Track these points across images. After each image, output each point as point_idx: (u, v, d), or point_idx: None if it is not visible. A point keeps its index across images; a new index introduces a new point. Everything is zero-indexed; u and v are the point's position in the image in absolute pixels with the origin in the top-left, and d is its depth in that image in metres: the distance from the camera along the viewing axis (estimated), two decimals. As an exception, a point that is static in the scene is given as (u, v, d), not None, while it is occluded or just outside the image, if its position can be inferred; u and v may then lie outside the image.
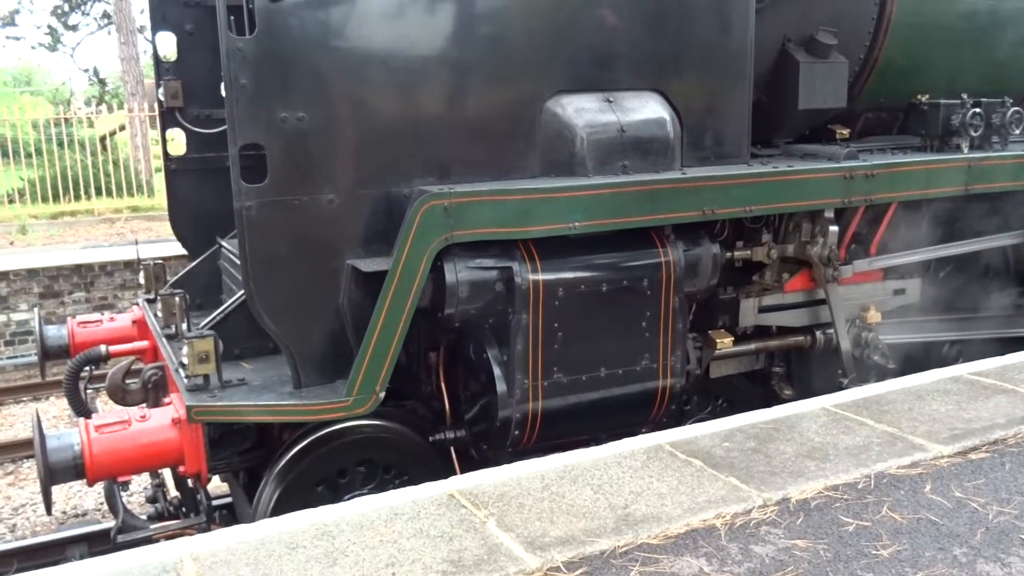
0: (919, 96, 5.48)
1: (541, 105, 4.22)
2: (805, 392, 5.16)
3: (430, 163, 4.05)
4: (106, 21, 25.73)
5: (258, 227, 3.77)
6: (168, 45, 5.60)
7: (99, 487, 5.04)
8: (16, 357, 10.88)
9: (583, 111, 4.25)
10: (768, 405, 4.21)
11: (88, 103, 27.16)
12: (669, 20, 4.43)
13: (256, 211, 3.75)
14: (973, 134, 5.31)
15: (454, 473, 4.26)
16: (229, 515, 5.26)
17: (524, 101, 4.20)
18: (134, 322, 5.49)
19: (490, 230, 3.93)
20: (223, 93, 3.82)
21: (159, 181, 20.00)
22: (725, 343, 4.89)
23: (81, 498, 7.16)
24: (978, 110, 5.30)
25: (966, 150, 5.33)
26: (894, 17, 5.33)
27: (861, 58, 5.43)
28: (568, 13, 4.21)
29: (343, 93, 3.87)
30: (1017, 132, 5.51)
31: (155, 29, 5.56)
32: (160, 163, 20.48)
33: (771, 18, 4.96)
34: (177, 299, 4.60)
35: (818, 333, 5.30)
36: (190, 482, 4.50)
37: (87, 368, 5.03)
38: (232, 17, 3.70)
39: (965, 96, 5.39)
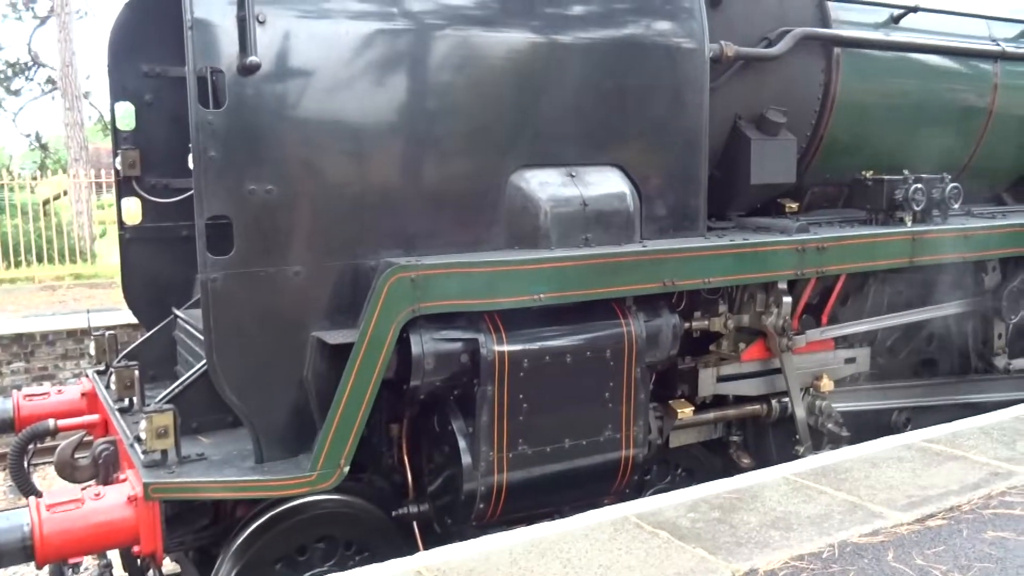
0: (863, 172, 5.71)
1: (505, 179, 4.30)
2: (762, 461, 5.23)
3: (397, 235, 4.08)
4: (51, 87, 25.52)
5: (223, 299, 3.74)
6: (126, 115, 5.58)
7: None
8: (-51, 430, 10.43)
9: (546, 185, 4.34)
10: (727, 474, 4.24)
11: (25, 167, 26.71)
12: (628, 98, 4.58)
13: (221, 283, 3.73)
14: (916, 208, 5.52)
15: (417, 549, 4.19)
16: (180, 596, 5.08)
17: (489, 175, 4.28)
18: (83, 395, 5.33)
19: (457, 302, 3.96)
20: (191, 165, 3.81)
21: (101, 247, 19.66)
22: (685, 413, 4.94)
23: (17, 579, 6.84)
24: (919, 185, 5.53)
25: (909, 223, 5.54)
26: (838, 97, 5.59)
27: (808, 135, 5.66)
28: (531, 90, 4.33)
29: (311, 166, 3.90)
30: (955, 206, 5.75)
31: (114, 99, 5.53)
32: (103, 228, 20.23)
33: (724, 97, 5.15)
34: (135, 372, 4.50)
35: (774, 402, 5.38)
36: (139, 562, 4.36)
37: (32, 443, 4.86)
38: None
39: (907, 172, 5.62)
